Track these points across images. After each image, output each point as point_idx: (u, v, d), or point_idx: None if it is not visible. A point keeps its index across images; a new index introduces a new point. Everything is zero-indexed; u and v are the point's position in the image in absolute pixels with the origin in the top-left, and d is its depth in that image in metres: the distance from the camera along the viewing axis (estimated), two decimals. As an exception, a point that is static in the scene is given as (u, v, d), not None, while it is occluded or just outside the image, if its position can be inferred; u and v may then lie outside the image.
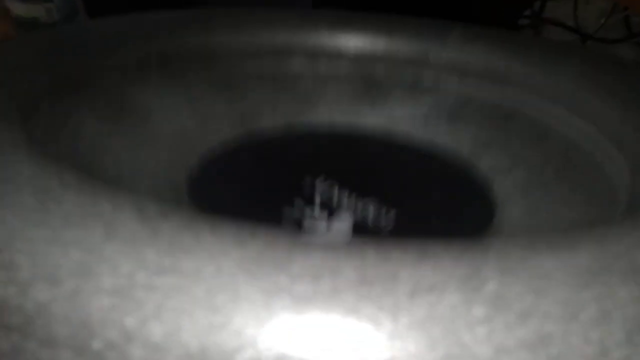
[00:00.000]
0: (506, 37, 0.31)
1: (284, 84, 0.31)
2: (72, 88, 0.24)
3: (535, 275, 0.11)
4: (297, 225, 0.23)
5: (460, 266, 0.11)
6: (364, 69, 0.32)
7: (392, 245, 0.11)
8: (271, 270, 0.11)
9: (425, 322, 0.10)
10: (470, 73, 0.31)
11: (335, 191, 0.25)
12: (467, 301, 0.10)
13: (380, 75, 0.32)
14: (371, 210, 0.24)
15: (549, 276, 0.11)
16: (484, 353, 0.10)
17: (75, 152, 0.22)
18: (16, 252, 0.11)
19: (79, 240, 0.11)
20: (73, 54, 0.25)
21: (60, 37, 0.26)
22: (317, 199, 0.25)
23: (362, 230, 0.23)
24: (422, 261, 0.11)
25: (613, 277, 0.11)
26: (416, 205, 0.25)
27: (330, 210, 0.24)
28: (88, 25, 0.28)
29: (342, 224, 0.24)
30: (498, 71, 0.30)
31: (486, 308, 0.10)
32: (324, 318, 0.10)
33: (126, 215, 0.12)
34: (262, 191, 0.25)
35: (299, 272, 0.11)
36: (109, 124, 0.24)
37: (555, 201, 0.23)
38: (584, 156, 0.25)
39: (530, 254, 0.11)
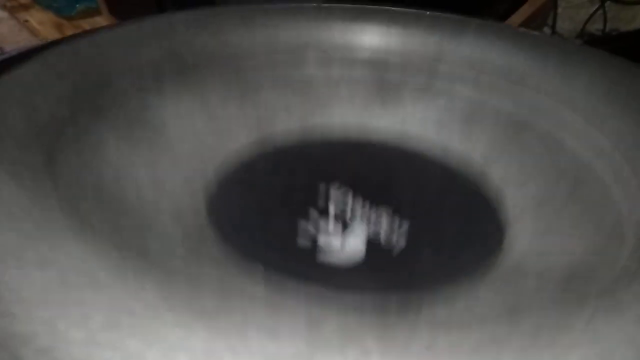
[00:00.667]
0: (524, 38, 0.31)
1: (297, 85, 0.31)
2: (93, 107, 0.24)
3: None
4: (312, 243, 0.24)
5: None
6: (376, 68, 0.32)
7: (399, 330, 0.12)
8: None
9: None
10: (485, 75, 0.30)
11: (349, 203, 0.26)
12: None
13: (394, 76, 0.32)
14: (384, 225, 0.25)
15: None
16: None
17: (98, 177, 0.22)
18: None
19: (117, 346, 0.12)
20: (90, 71, 0.25)
21: (76, 53, 0.26)
22: (331, 212, 0.25)
23: (374, 248, 0.24)
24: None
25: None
26: (428, 220, 0.25)
27: (344, 223, 0.25)
28: (100, 35, 0.28)
29: (356, 240, 0.25)
30: (513, 75, 0.30)
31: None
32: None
33: (160, 320, 0.12)
34: (278, 204, 0.26)
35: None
36: (130, 142, 0.25)
37: (565, 224, 0.23)
38: (597, 174, 0.25)
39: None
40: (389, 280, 0.22)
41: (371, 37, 0.32)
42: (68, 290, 0.13)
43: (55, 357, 0.12)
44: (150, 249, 0.18)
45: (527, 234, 0.24)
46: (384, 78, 0.32)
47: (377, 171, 0.28)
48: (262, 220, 0.24)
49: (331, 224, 0.25)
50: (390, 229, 0.25)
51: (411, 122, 0.31)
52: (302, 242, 0.23)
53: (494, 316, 0.17)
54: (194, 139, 0.28)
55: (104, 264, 0.14)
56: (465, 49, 0.31)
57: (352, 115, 0.31)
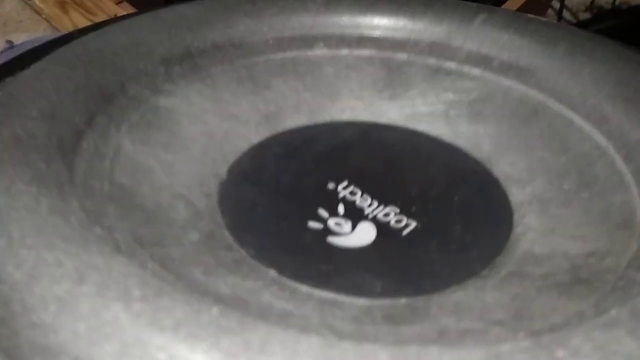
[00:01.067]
0: (534, 26, 0.31)
1: (307, 76, 0.31)
2: (107, 109, 0.25)
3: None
4: (323, 230, 0.24)
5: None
6: (386, 57, 0.32)
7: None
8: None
9: None
10: (493, 65, 0.30)
11: (359, 194, 0.26)
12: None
13: (403, 65, 0.32)
14: (393, 216, 0.25)
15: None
16: None
17: (115, 178, 0.23)
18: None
19: (147, 359, 0.13)
20: (103, 71, 0.26)
21: (87, 51, 0.26)
22: (341, 202, 0.26)
23: (384, 237, 0.24)
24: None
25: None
26: (435, 213, 0.26)
27: (354, 213, 0.25)
28: (110, 31, 0.28)
29: (366, 228, 0.25)
30: (521, 65, 0.30)
31: None
32: None
33: (187, 334, 0.13)
34: (290, 197, 0.26)
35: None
36: (144, 140, 0.25)
37: (571, 222, 0.24)
38: (603, 170, 0.25)
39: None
40: (397, 281, 0.22)
41: (380, 25, 0.32)
42: (99, 303, 0.14)
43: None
44: (173, 258, 0.19)
45: (532, 232, 0.24)
46: (393, 67, 0.32)
47: (386, 163, 0.29)
48: (274, 222, 0.25)
49: (341, 218, 0.25)
50: (396, 226, 0.25)
51: (419, 113, 0.31)
52: (314, 240, 0.24)
53: (498, 324, 0.17)
54: (206, 136, 0.28)
55: (131, 277, 0.15)
56: (474, 38, 0.31)
57: (360, 106, 0.31)
